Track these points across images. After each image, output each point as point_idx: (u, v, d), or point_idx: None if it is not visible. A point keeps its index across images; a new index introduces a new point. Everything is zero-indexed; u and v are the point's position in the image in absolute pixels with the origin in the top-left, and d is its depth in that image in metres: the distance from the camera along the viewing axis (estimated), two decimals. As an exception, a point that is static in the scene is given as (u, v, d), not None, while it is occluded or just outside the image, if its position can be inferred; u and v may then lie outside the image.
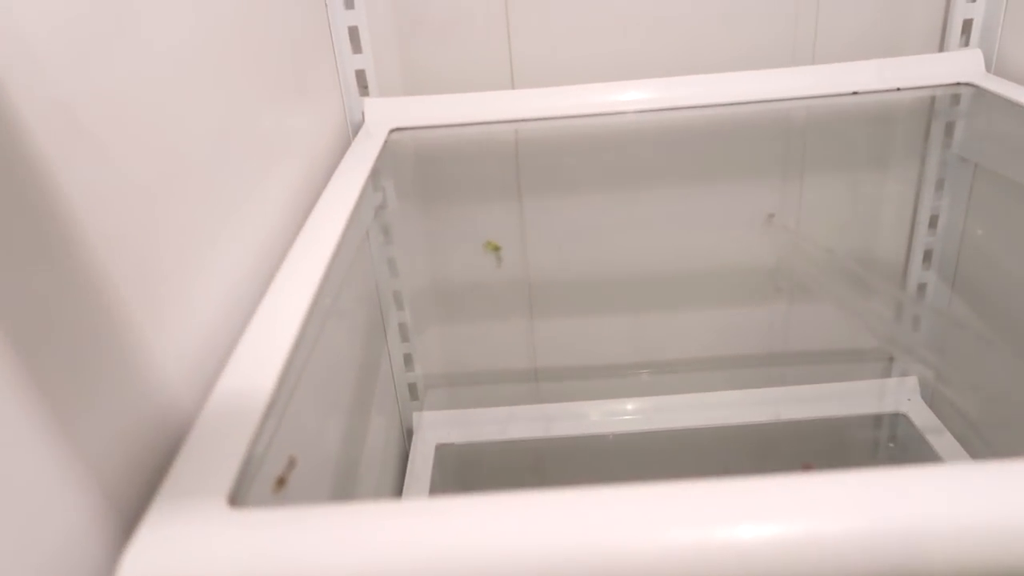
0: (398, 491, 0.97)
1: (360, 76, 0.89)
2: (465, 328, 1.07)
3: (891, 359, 1.07)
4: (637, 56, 0.92)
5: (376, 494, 0.91)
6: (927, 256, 0.98)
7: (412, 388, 1.07)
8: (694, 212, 0.99)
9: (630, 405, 1.07)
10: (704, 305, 1.05)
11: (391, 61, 0.91)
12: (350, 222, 0.66)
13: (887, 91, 0.82)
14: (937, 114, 0.91)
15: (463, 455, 1.07)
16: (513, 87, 0.93)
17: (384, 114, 0.88)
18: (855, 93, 0.81)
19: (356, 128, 0.88)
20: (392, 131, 0.85)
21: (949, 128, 0.90)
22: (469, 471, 1.12)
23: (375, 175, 0.93)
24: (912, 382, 1.04)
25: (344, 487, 0.76)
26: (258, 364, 0.45)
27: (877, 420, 1.03)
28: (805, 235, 0.99)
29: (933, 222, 0.96)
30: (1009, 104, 0.76)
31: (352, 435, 0.82)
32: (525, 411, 1.07)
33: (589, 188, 0.99)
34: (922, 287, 1.00)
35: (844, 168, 0.97)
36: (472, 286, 1.04)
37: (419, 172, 0.98)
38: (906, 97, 0.89)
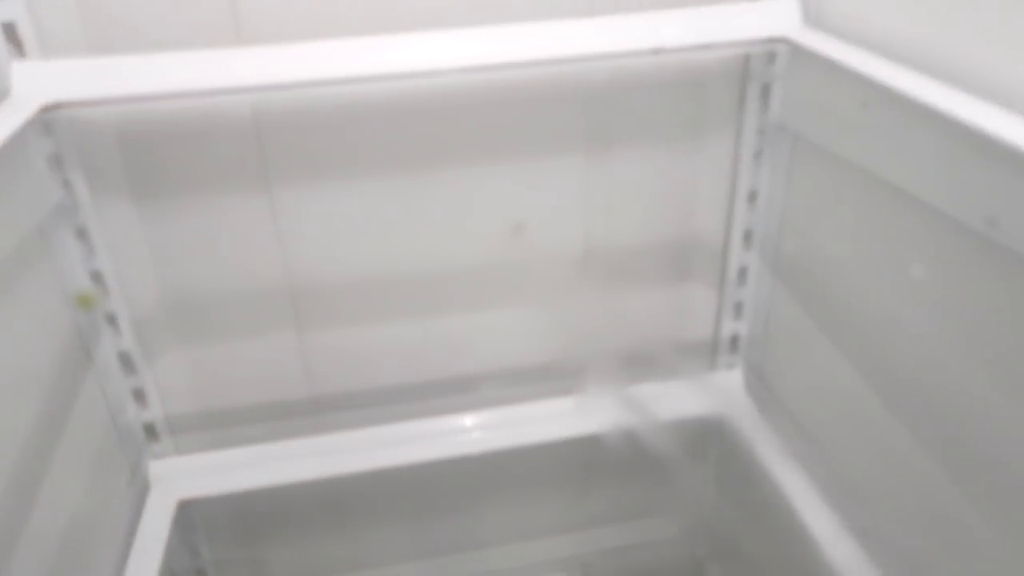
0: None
1: (9, 31, 0.64)
2: (215, 351, 0.86)
3: (714, 353, 0.96)
4: (397, 4, 0.72)
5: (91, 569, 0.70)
6: (747, 236, 0.87)
7: (149, 430, 0.85)
8: (477, 197, 0.83)
9: (424, 428, 0.90)
10: (504, 306, 0.90)
11: (62, 6, 0.67)
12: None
13: (694, 48, 0.68)
14: (751, 75, 0.78)
15: (220, 509, 0.87)
16: (240, 42, 0.72)
17: (48, 84, 0.64)
18: (657, 52, 0.66)
19: (4, 104, 0.64)
20: (49, 108, 0.62)
21: (765, 91, 0.78)
22: (227, 529, 0.92)
23: (56, 166, 0.69)
24: (736, 377, 0.94)
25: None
26: None
27: (700, 421, 0.92)
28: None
29: (752, 198, 0.84)
30: (827, 64, 0.64)
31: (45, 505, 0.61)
32: (297, 447, 0.87)
33: (350, 171, 0.79)
34: (743, 271, 0.89)
35: (654, 139, 0.83)
36: (220, 299, 0.83)
37: (127, 160, 0.75)
38: (715, 56, 0.75)
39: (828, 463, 0.80)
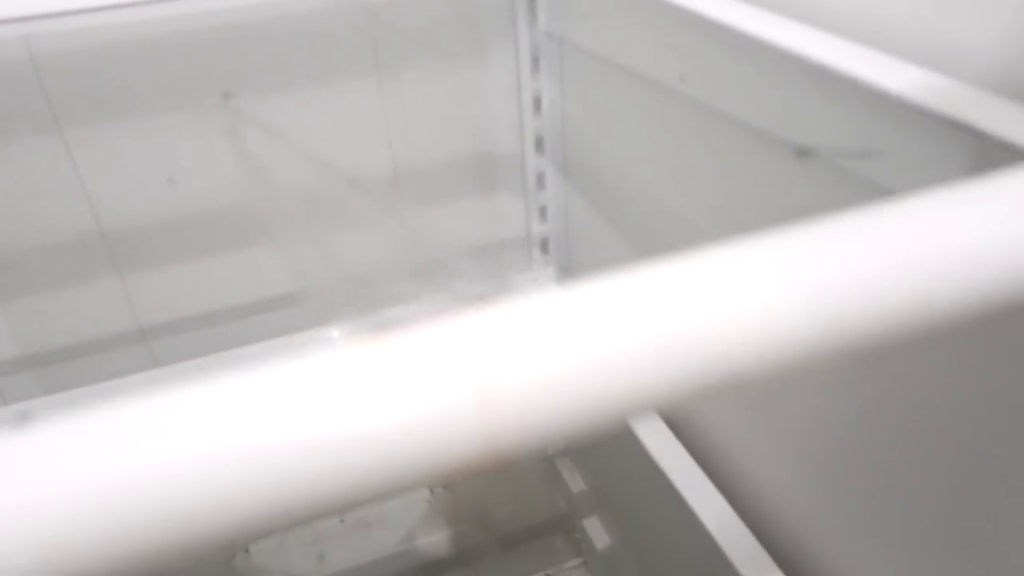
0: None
1: None
2: (35, 301, 0.86)
3: (529, 256, 1.04)
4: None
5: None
6: (539, 143, 0.94)
7: (-29, 384, 0.85)
8: (277, 125, 0.86)
9: (268, 348, 0.94)
10: (323, 229, 0.94)
11: None
12: None
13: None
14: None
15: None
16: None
17: None
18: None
19: None
20: None
21: (531, 2, 0.85)
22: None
23: None
24: (549, 275, 1.02)
25: None
26: None
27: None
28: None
29: (537, 106, 0.92)
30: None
31: None
32: (131, 382, 0.90)
33: (142, 109, 0.81)
34: (540, 177, 0.96)
35: (442, 56, 0.89)
36: (30, 248, 0.84)
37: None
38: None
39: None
